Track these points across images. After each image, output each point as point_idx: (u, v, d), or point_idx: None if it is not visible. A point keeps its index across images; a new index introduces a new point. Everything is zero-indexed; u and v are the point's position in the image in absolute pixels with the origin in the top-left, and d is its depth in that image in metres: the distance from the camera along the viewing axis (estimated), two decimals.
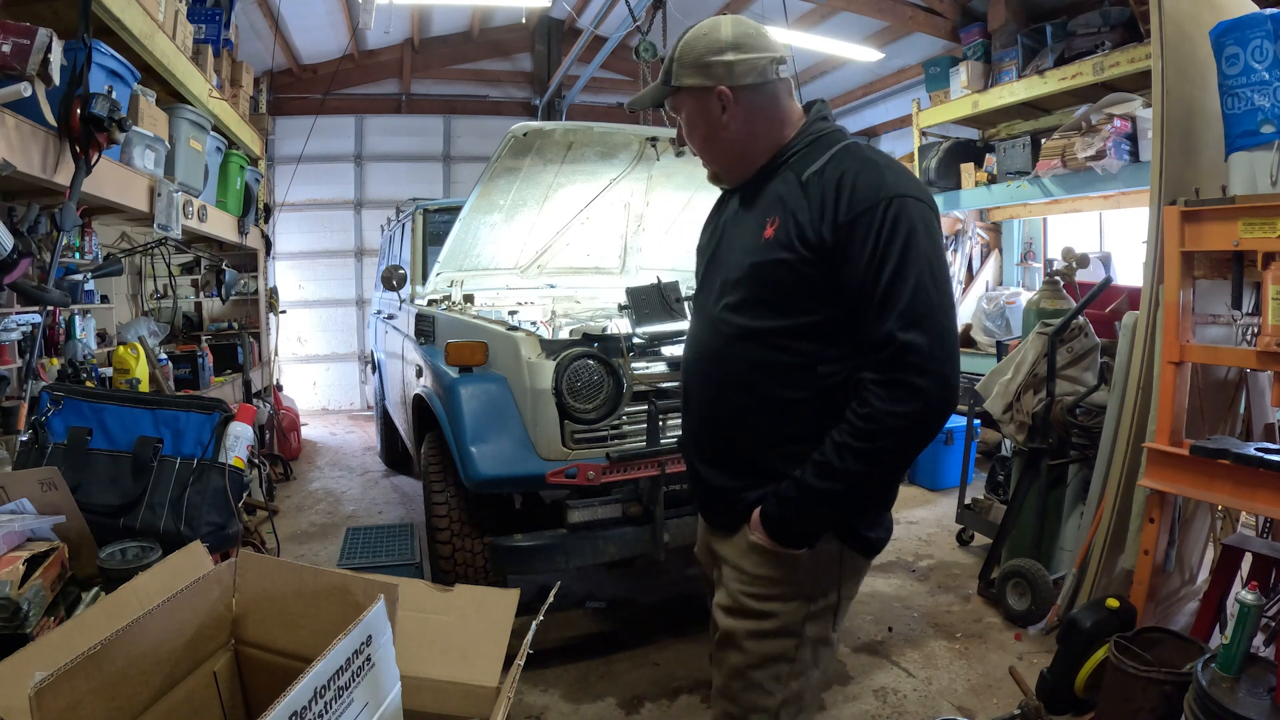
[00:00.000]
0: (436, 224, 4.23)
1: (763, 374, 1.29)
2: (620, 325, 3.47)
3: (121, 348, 3.76)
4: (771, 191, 1.33)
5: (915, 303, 1.17)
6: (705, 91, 1.34)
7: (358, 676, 0.98)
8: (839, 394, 1.25)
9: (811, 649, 1.36)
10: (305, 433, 6.70)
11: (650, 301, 3.37)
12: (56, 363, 3.43)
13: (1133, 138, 4.31)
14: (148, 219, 3.55)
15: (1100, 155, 4.33)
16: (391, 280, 3.74)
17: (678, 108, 1.39)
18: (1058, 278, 3.72)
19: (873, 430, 1.18)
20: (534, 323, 3.70)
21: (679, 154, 3.38)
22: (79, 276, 3.70)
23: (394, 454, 5.63)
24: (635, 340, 2.90)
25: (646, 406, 2.64)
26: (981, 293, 5.99)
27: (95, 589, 1.65)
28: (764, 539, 1.30)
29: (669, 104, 1.40)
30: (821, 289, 1.24)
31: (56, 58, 2.24)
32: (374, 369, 5.86)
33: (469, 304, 3.65)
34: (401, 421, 4.35)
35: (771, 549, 1.29)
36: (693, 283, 4.59)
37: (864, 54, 6.70)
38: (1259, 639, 2.00)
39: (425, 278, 3.91)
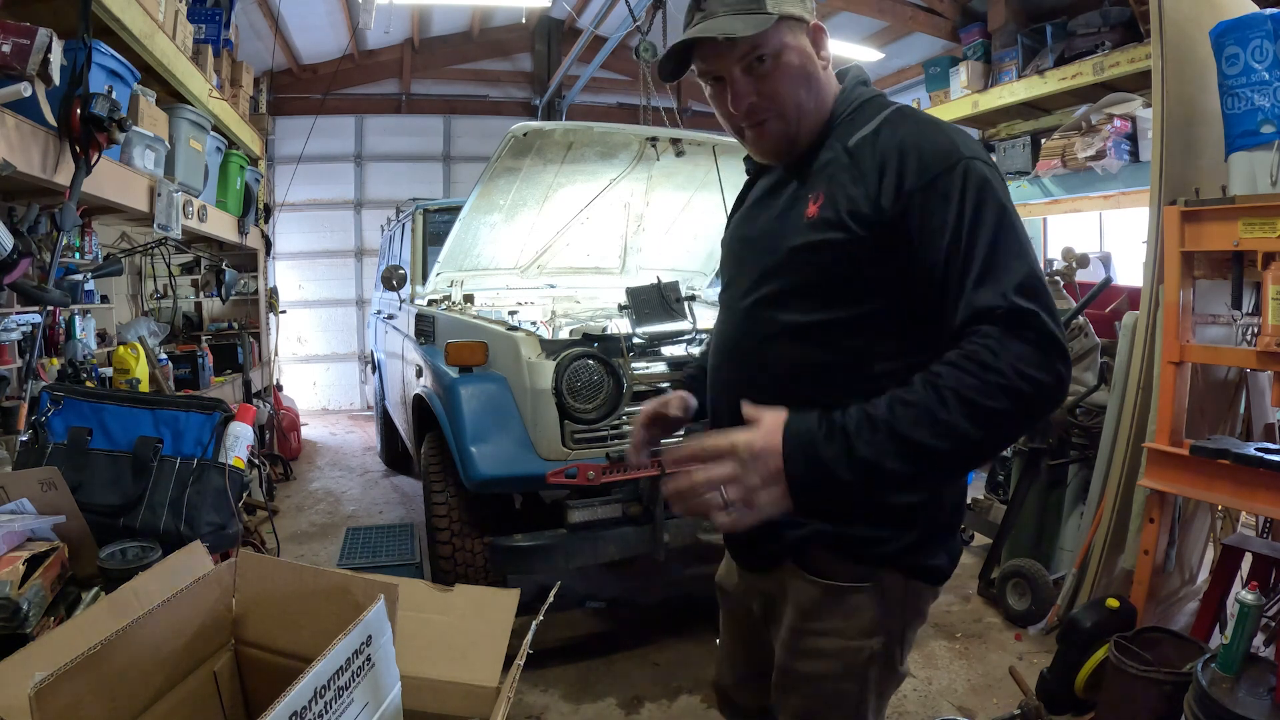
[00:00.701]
0: (436, 224, 4.23)
1: (807, 377, 1.10)
2: (620, 325, 3.47)
3: (121, 348, 3.76)
4: (816, 165, 1.13)
5: (1030, 277, 0.95)
6: (804, 25, 1.13)
7: (358, 676, 0.98)
8: None
9: (877, 689, 1.20)
10: (305, 433, 6.70)
11: (650, 301, 3.37)
12: (56, 363, 3.44)
13: (1133, 138, 4.31)
14: (148, 219, 3.55)
15: (1100, 155, 4.33)
16: (391, 280, 3.75)
17: (763, 44, 1.09)
18: (1058, 278, 3.72)
19: (993, 384, 0.89)
20: (534, 323, 3.70)
21: (679, 154, 3.38)
22: (79, 276, 3.70)
23: (394, 454, 5.63)
24: (635, 340, 2.90)
25: None
26: None
27: (95, 589, 1.65)
28: (764, 499, 0.92)
29: (751, 38, 1.09)
30: (877, 273, 1.04)
31: (56, 58, 2.24)
32: (374, 369, 5.86)
33: (469, 304, 3.65)
34: (401, 421, 4.35)
35: (741, 479, 0.93)
36: (694, 283, 4.58)
37: (864, 54, 6.70)
38: (1259, 639, 2.00)
39: (425, 278, 3.92)
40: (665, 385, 2.73)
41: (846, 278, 1.07)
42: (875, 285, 1.06)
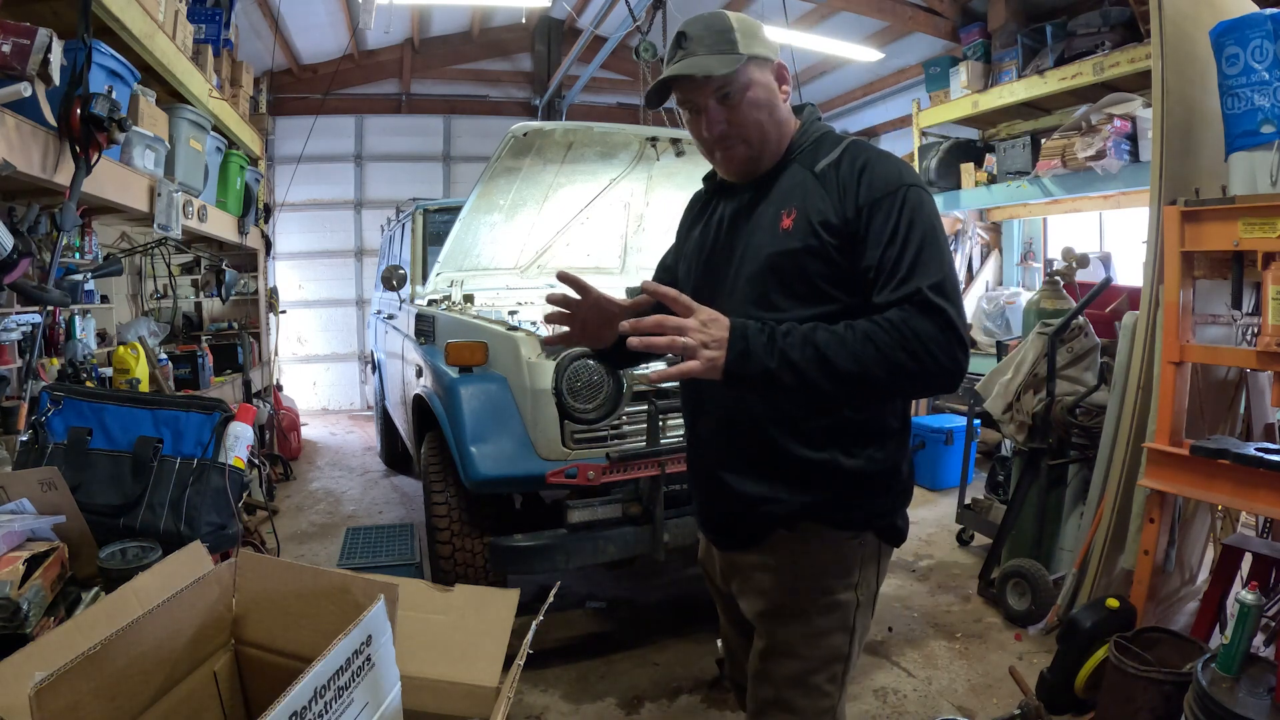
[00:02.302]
0: (436, 224, 4.23)
1: None
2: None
3: (121, 348, 3.76)
4: (783, 185, 1.33)
5: (945, 281, 1.17)
6: (769, 63, 1.33)
7: (358, 676, 0.98)
8: None
9: (859, 641, 1.37)
10: (305, 433, 6.70)
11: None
12: (56, 363, 3.44)
13: (1133, 138, 4.31)
14: (148, 219, 3.55)
15: (1100, 155, 4.33)
16: (391, 280, 3.74)
17: (734, 80, 1.28)
18: (1058, 278, 3.72)
19: (896, 343, 1.11)
20: (534, 323, 3.70)
21: (679, 154, 3.38)
22: (79, 276, 3.70)
23: (394, 454, 5.63)
24: None
25: (646, 406, 2.64)
26: (981, 293, 5.99)
27: (95, 589, 1.65)
28: (709, 354, 1.09)
29: (724, 76, 1.28)
30: (843, 274, 1.24)
31: (56, 58, 2.24)
32: (374, 369, 5.86)
33: (469, 304, 3.65)
34: (401, 421, 4.35)
35: (701, 362, 1.11)
36: None
37: (864, 54, 6.70)
38: (1259, 639, 2.00)
39: (425, 278, 3.91)
40: (666, 385, 2.73)
41: (820, 278, 1.25)
42: (842, 284, 1.24)
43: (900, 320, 1.13)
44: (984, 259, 6.33)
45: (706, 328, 1.11)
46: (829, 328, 1.14)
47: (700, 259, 1.44)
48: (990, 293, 5.89)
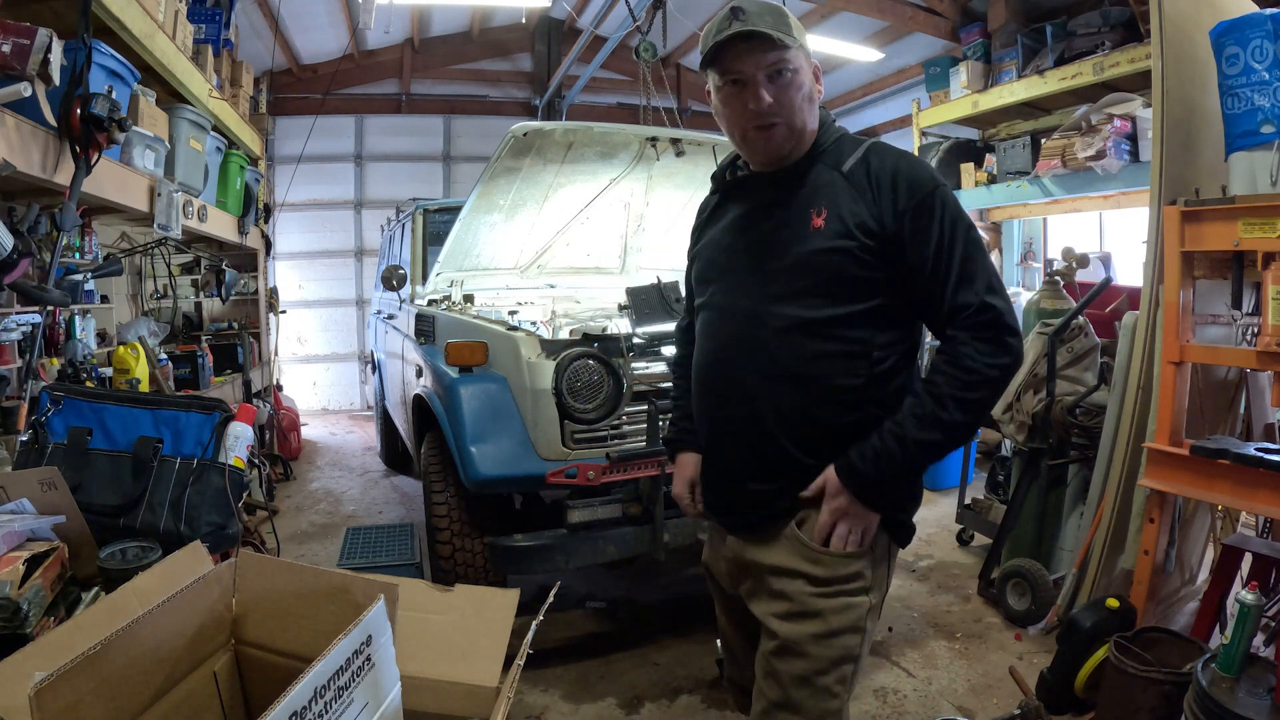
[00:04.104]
0: (436, 224, 4.23)
1: (820, 364, 1.30)
2: (620, 325, 3.47)
3: (121, 348, 3.76)
4: (809, 183, 1.34)
5: (990, 276, 1.27)
6: (812, 60, 1.37)
7: (358, 676, 0.98)
8: (887, 379, 1.31)
9: (869, 642, 1.38)
10: (305, 433, 6.70)
11: (650, 301, 3.37)
12: (56, 363, 3.44)
13: (1133, 138, 4.31)
14: (148, 219, 3.55)
15: (1100, 155, 4.33)
16: (391, 280, 3.74)
17: (791, 58, 1.30)
18: (1058, 278, 3.72)
19: (974, 381, 1.24)
20: (534, 323, 3.70)
21: (679, 154, 3.38)
22: (79, 276, 3.70)
23: (394, 454, 5.63)
24: (635, 340, 2.89)
25: (646, 406, 2.64)
26: None
27: (95, 589, 1.65)
28: (844, 501, 1.28)
29: (786, 48, 1.29)
30: (880, 275, 1.28)
31: (56, 58, 2.24)
32: (374, 369, 5.86)
33: (469, 304, 3.65)
34: (401, 421, 4.35)
35: (847, 519, 1.30)
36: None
37: (864, 54, 6.70)
38: (1259, 639, 2.00)
39: (425, 278, 3.92)
40: (666, 385, 2.73)
41: (853, 278, 1.28)
42: (876, 284, 1.28)
43: (965, 358, 1.24)
44: None
45: (846, 510, 1.29)
46: (917, 411, 1.26)
47: (722, 258, 1.44)
48: None
